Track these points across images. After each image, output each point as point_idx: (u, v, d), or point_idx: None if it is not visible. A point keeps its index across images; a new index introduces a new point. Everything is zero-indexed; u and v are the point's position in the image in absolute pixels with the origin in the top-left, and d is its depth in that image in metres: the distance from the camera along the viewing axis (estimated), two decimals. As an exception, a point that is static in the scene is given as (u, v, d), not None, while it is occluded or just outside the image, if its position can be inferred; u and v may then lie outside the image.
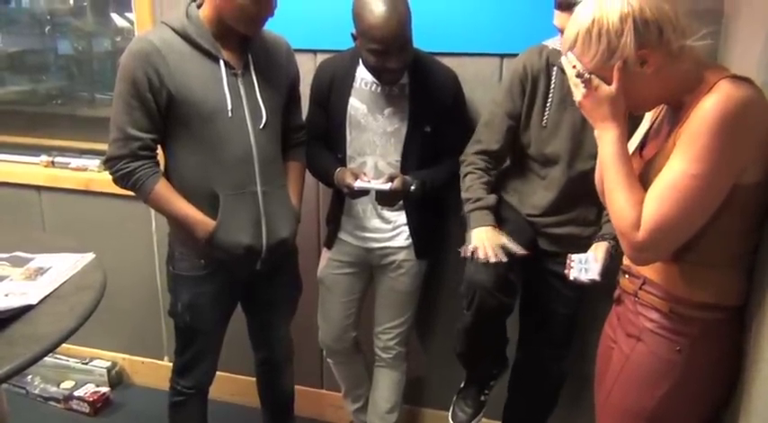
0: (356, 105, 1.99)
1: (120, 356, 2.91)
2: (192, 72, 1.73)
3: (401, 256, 2.09)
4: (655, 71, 1.17)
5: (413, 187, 1.93)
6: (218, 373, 2.09)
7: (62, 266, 1.70)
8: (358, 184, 1.89)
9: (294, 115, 2.01)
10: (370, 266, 2.18)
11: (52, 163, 2.76)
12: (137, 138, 1.73)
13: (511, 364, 2.14)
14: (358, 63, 1.97)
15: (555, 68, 1.83)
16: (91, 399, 2.68)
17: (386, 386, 2.27)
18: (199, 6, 1.77)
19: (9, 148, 2.87)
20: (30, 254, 1.77)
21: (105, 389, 2.77)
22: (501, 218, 1.89)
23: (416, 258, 2.10)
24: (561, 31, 1.71)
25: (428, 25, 1.99)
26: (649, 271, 1.30)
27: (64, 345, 1.47)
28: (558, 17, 1.70)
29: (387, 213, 2.07)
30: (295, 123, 2.01)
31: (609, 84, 1.19)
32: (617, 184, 1.21)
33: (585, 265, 1.71)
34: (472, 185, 1.89)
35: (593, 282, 1.68)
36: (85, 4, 2.80)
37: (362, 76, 1.98)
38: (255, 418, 2.36)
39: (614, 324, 1.44)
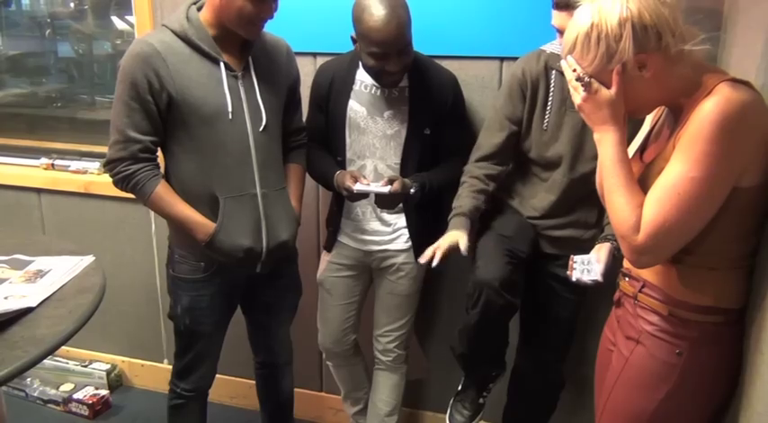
0: (356, 108, 1.99)
1: (119, 359, 2.90)
2: (193, 74, 1.73)
3: (400, 258, 2.09)
4: (653, 75, 1.17)
5: (412, 190, 1.93)
6: (217, 375, 2.08)
7: (62, 269, 1.70)
8: (357, 186, 1.89)
9: (294, 117, 2.01)
10: (369, 269, 2.18)
11: (52, 165, 2.76)
12: (137, 140, 1.74)
13: (510, 367, 2.14)
14: (357, 66, 1.97)
15: (553, 72, 1.84)
16: (90, 401, 2.68)
17: (385, 389, 2.27)
18: (199, 9, 1.77)
19: (9, 151, 2.87)
20: (29, 256, 1.77)
21: (105, 392, 2.76)
22: (503, 220, 1.91)
23: (416, 261, 2.09)
24: (560, 31, 1.72)
25: (428, 28, 2.00)
26: (649, 274, 1.30)
27: (63, 347, 1.47)
28: (557, 17, 1.71)
29: (386, 216, 2.07)
30: (295, 126, 2.01)
31: (608, 87, 1.20)
32: (617, 187, 1.21)
33: (588, 267, 1.71)
34: (461, 194, 1.92)
35: (595, 282, 1.68)
36: (86, 6, 2.80)
37: (362, 78, 1.98)
38: (255, 420, 2.36)
39: (614, 327, 1.44)
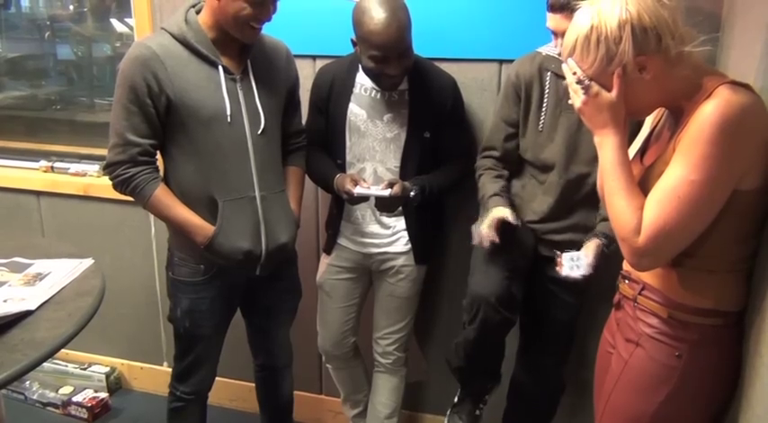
0: (356, 111, 1.99)
1: (118, 362, 2.90)
2: (191, 77, 1.73)
3: (400, 261, 2.09)
4: (654, 77, 1.17)
5: (412, 193, 1.93)
6: (217, 378, 2.08)
7: (61, 272, 1.70)
8: (357, 190, 1.89)
9: (293, 120, 2.01)
10: (369, 272, 2.18)
11: (51, 168, 2.76)
12: (136, 143, 1.74)
13: (510, 372, 2.14)
14: (357, 69, 1.97)
15: (548, 74, 1.85)
16: (89, 404, 2.67)
17: (385, 391, 2.27)
18: (198, 12, 1.77)
19: (8, 154, 2.87)
20: (29, 259, 1.77)
21: (104, 394, 2.76)
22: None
23: (415, 264, 2.10)
24: (554, 33, 1.73)
25: (427, 31, 2.00)
26: (648, 276, 1.30)
27: (62, 350, 1.46)
28: (551, 19, 1.72)
29: (386, 219, 2.07)
30: (294, 128, 2.02)
31: (608, 90, 1.20)
32: (617, 190, 1.21)
33: (577, 263, 1.72)
34: (484, 183, 1.94)
35: (584, 277, 1.69)
36: (85, 9, 2.80)
37: (362, 81, 1.98)
38: (254, 423, 2.36)
39: (613, 329, 1.44)
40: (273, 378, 2.21)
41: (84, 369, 2.85)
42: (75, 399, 2.70)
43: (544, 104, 1.86)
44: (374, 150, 2.01)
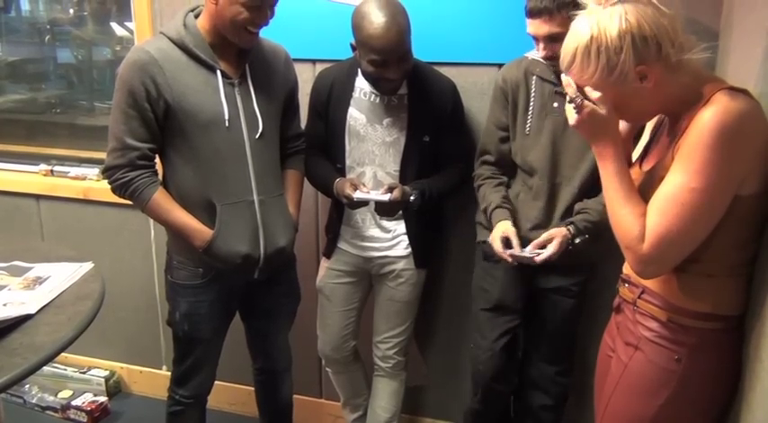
0: (355, 115, 2.00)
1: (118, 366, 2.90)
2: (189, 82, 1.73)
3: (400, 265, 2.09)
4: (654, 85, 1.17)
5: (412, 197, 1.93)
6: (216, 382, 2.08)
7: (61, 276, 1.70)
8: (357, 194, 1.89)
9: (292, 124, 2.01)
10: (369, 276, 2.18)
11: (51, 172, 2.76)
12: (135, 147, 1.74)
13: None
14: (357, 73, 1.97)
15: (534, 78, 1.87)
16: (89, 408, 2.67)
17: (385, 395, 2.27)
18: (197, 17, 1.78)
19: (8, 157, 2.87)
20: (28, 263, 1.77)
21: (103, 398, 2.75)
22: (490, 281, 2.02)
23: (416, 268, 2.10)
24: (536, 38, 1.74)
25: (427, 35, 2.00)
26: (648, 280, 1.30)
27: (62, 353, 1.46)
28: (530, 25, 1.73)
29: (386, 223, 2.07)
30: (293, 132, 2.02)
31: (609, 99, 1.20)
32: (618, 199, 1.22)
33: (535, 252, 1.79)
34: (485, 194, 1.96)
35: (530, 260, 1.78)
36: (86, 13, 2.80)
37: (361, 86, 1.98)
38: (254, 427, 2.36)
39: (613, 333, 1.44)
40: (273, 382, 2.21)
41: (84, 373, 2.84)
42: (74, 402, 2.70)
43: (530, 108, 1.88)
44: (374, 154, 2.01)
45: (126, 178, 1.76)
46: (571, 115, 1.24)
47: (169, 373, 2.05)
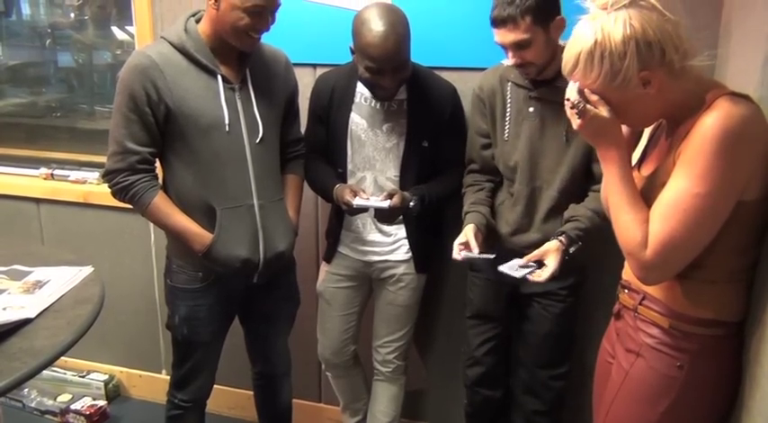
0: (357, 120, 2.00)
1: (117, 369, 2.89)
2: (190, 86, 1.74)
3: (401, 269, 2.09)
4: (657, 91, 1.17)
5: (411, 203, 1.92)
6: (215, 386, 2.08)
7: (60, 280, 1.70)
8: (357, 201, 1.89)
9: (292, 128, 2.02)
10: (369, 280, 2.18)
11: (51, 175, 2.76)
12: (135, 151, 1.74)
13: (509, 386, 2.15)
14: (357, 78, 1.97)
15: (509, 84, 1.88)
16: (88, 412, 2.66)
17: (384, 400, 2.26)
18: (198, 21, 1.78)
19: (8, 161, 2.87)
20: (28, 267, 1.77)
21: (102, 402, 2.75)
22: (477, 292, 2.06)
23: (416, 272, 2.10)
24: (504, 47, 1.73)
25: (427, 39, 2.01)
26: (650, 286, 1.30)
27: (61, 357, 1.46)
28: (497, 34, 1.72)
29: (386, 227, 2.07)
30: (293, 136, 2.02)
31: (611, 103, 1.20)
32: (622, 205, 1.22)
33: (524, 270, 1.73)
34: (465, 202, 1.99)
35: (516, 280, 1.74)
36: (86, 17, 2.81)
37: (362, 91, 1.98)
38: (253, 431, 2.35)
39: (613, 339, 1.44)
40: (272, 386, 2.20)
41: (83, 377, 2.84)
42: (73, 406, 2.69)
43: (507, 113, 1.89)
44: (374, 160, 2.01)
45: (126, 182, 1.76)
46: (574, 120, 1.24)
47: (168, 377, 2.05)
